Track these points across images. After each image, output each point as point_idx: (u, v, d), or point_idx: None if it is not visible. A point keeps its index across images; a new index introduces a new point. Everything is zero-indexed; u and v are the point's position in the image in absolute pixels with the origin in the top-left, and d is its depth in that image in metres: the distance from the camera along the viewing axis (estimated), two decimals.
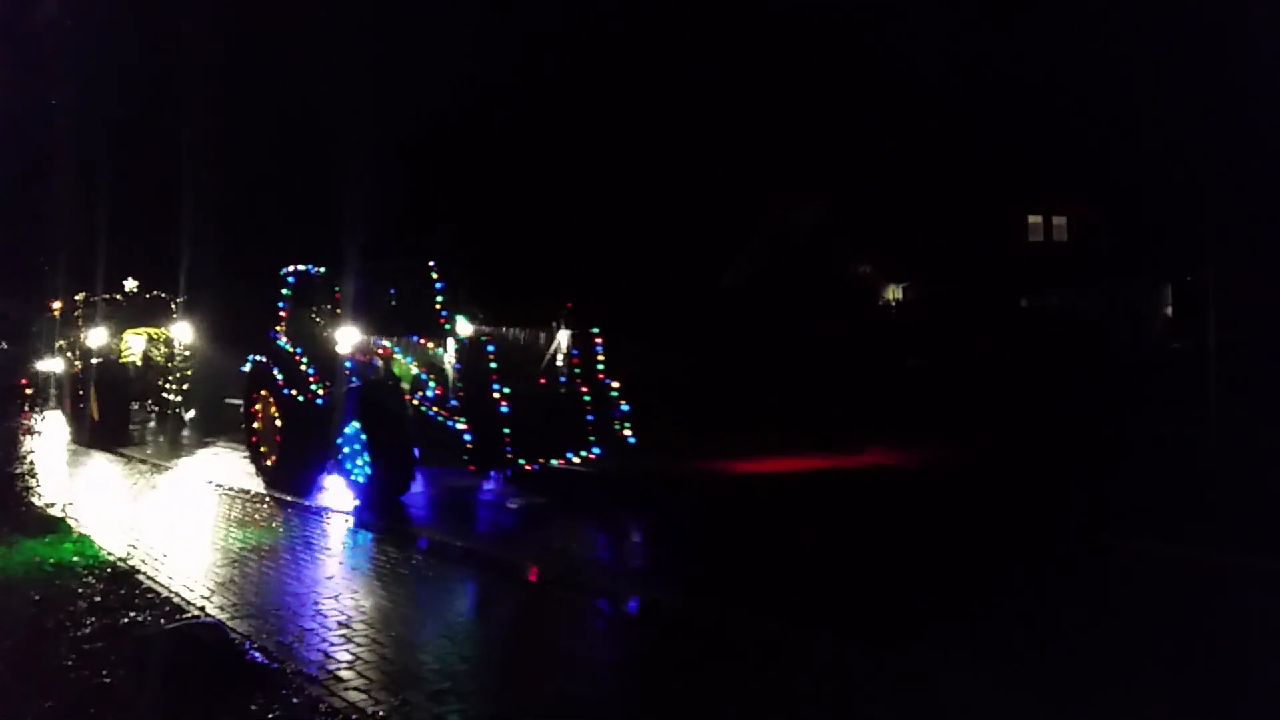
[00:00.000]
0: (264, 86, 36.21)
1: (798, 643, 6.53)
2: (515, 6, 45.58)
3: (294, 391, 13.46)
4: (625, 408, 12.06)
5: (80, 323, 20.79)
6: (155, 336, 20.48)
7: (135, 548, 9.51)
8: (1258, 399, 12.77)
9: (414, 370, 12.59)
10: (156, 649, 5.76)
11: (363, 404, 12.35)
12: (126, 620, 6.79)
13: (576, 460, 11.83)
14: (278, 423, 13.68)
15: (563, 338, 12.22)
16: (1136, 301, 36.98)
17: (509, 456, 11.35)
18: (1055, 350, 26.54)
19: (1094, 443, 14.24)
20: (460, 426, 11.32)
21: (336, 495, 12.70)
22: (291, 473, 13.41)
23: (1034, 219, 39.19)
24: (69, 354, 20.89)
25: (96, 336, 20.18)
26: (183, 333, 20.37)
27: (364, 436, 12.07)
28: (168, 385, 19.96)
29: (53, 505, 11.13)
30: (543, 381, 12.38)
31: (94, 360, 19.68)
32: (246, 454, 14.73)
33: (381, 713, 5.29)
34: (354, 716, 5.27)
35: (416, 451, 11.96)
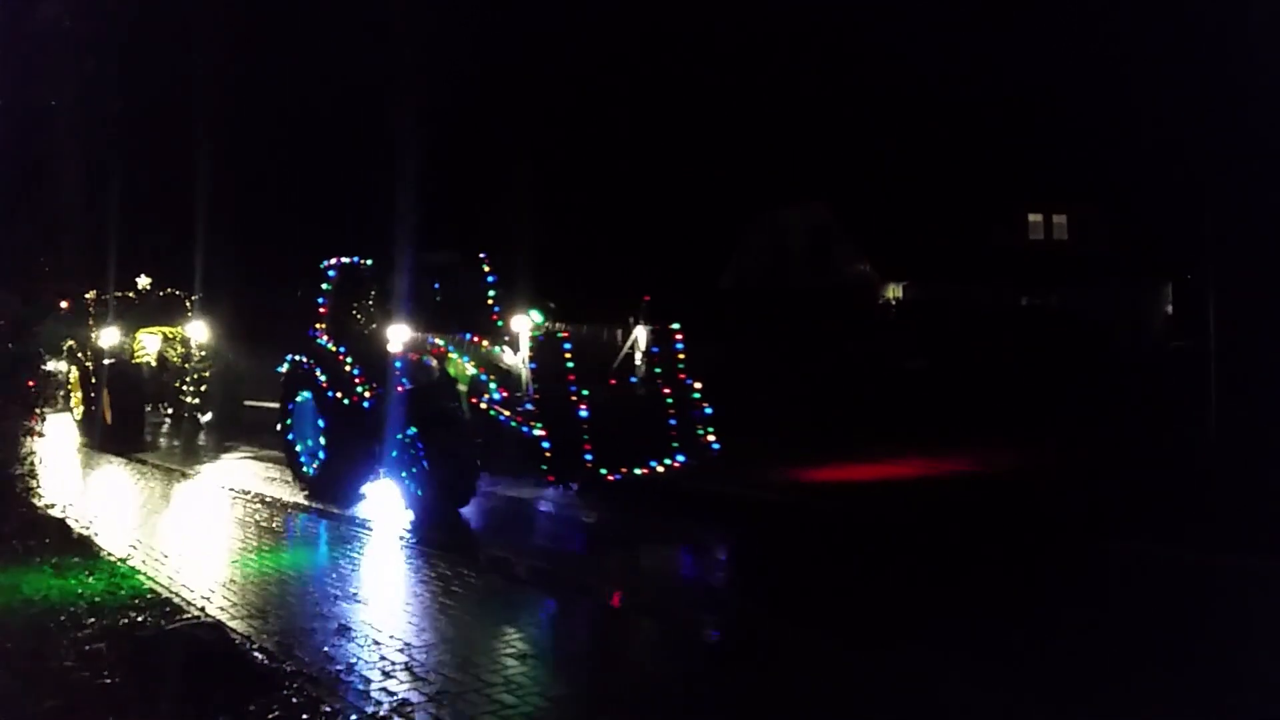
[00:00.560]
0: (297, 69, 34.43)
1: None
2: (515, 6, 44.18)
3: (339, 394, 12.01)
4: (708, 411, 10.66)
5: (91, 321, 19.11)
6: (171, 336, 18.85)
7: (177, 578, 8.10)
8: (1258, 399, 12.06)
9: (470, 370, 11.13)
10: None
11: (420, 407, 10.93)
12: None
13: (660, 470, 10.40)
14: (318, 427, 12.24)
15: (640, 334, 10.76)
16: (1136, 301, 36.57)
17: (589, 466, 9.91)
18: (1059, 351, 26.02)
19: (1139, 445, 13.48)
20: (538, 433, 9.88)
21: (387, 507, 11.28)
22: (335, 482, 11.98)
23: (1034, 218, 38.59)
24: (79, 354, 19.18)
25: (109, 336, 18.53)
26: (199, 332, 18.77)
27: (421, 443, 10.66)
28: (184, 387, 18.35)
29: (75, 520, 9.71)
30: (613, 383, 10.92)
31: (106, 361, 18.06)
32: (282, 461, 13.26)
33: None
34: None
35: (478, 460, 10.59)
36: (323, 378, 12.17)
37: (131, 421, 17.61)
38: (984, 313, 30.94)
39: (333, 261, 12.66)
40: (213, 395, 18.44)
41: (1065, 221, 38.62)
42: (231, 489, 12.73)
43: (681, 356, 10.77)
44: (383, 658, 6.05)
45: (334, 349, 12.33)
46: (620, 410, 10.37)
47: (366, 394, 11.87)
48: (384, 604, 7.50)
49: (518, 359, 11.25)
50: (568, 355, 10.16)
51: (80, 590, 7.27)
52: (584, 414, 9.91)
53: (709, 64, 41.95)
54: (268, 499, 11.99)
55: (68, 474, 14.25)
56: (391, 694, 5.44)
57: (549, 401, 10.01)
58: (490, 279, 12.63)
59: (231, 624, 6.71)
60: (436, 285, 12.89)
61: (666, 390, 10.59)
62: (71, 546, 8.69)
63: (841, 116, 39.39)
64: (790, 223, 38.19)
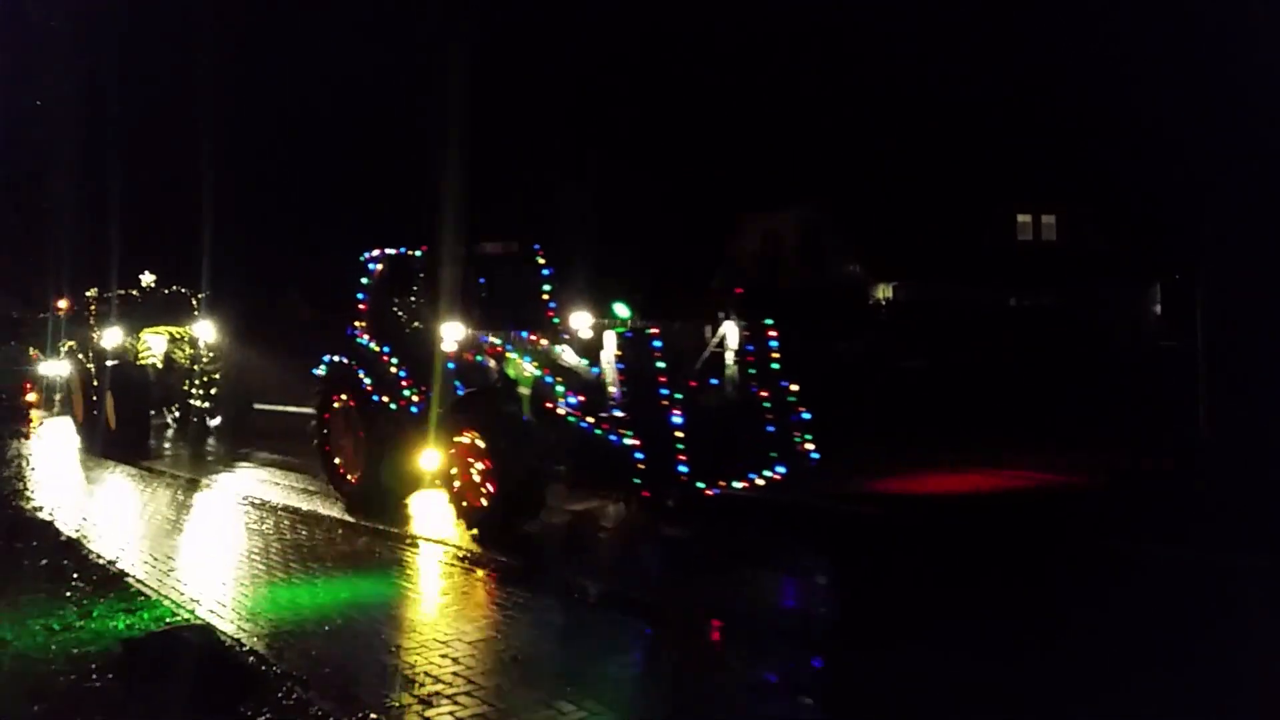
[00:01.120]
0: (314, 58, 32.79)
1: None
2: (515, 6, 42.86)
3: (385, 398, 10.52)
4: (806, 416, 9.28)
5: (92, 321, 17.39)
6: (177, 336, 17.20)
7: (239, 623, 6.61)
8: (1252, 398, 11.42)
9: (530, 372, 9.67)
10: None
11: (478, 413, 9.47)
12: None
13: (761, 482, 8.99)
14: (361, 435, 10.75)
15: (730, 331, 9.34)
16: (1125, 301, 35.91)
17: (684, 479, 8.48)
18: (1058, 350, 25.30)
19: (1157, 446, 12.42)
20: (629, 442, 8.44)
21: (441, 523, 9.83)
22: (380, 495, 10.51)
23: (1023, 218, 37.89)
24: (80, 355, 17.45)
25: (111, 336, 16.85)
26: (207, 331, 17.13)
27: (479, 452, 9.20)
28: (192, 390, 16.71)
29: (102, 550, 8.20)
30: (693, 385, 9.46)
31: (109, 362, 16.38)
32: (306, 470, 11.76)
33: None
34: None
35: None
36: (366, 381, 10.68)
37: (137, 427, 15.99)
38: (978, 312, 30.40)
39: (375, 253, 11.17)
40: (222, 398, 16.82)
41: (1054, 222, 37.91)
42: (268, 504, 11.17)
43: (776, 356, 9.38)
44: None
45: (378, 349, 10.84)
46: (715, 416, 8.95)
47: (415, 398, 10.40)
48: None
49: (580, 359, 9.90)
50: (658, 355, 8.72)
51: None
52: (678, 420, 8.49)
53: (701, 63, 41.09)
54: (306, 513, 10.51)
55: (77, 490, 12.66)
56: None
57: (638, 408, 8.57)
58: (546, 272, 11.21)
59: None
60: (482, 280, 11.42)
61: (764, 394, 9.20)
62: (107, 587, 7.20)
63: (833, 116, 38.64)
64: (781, 222, 37.20)
